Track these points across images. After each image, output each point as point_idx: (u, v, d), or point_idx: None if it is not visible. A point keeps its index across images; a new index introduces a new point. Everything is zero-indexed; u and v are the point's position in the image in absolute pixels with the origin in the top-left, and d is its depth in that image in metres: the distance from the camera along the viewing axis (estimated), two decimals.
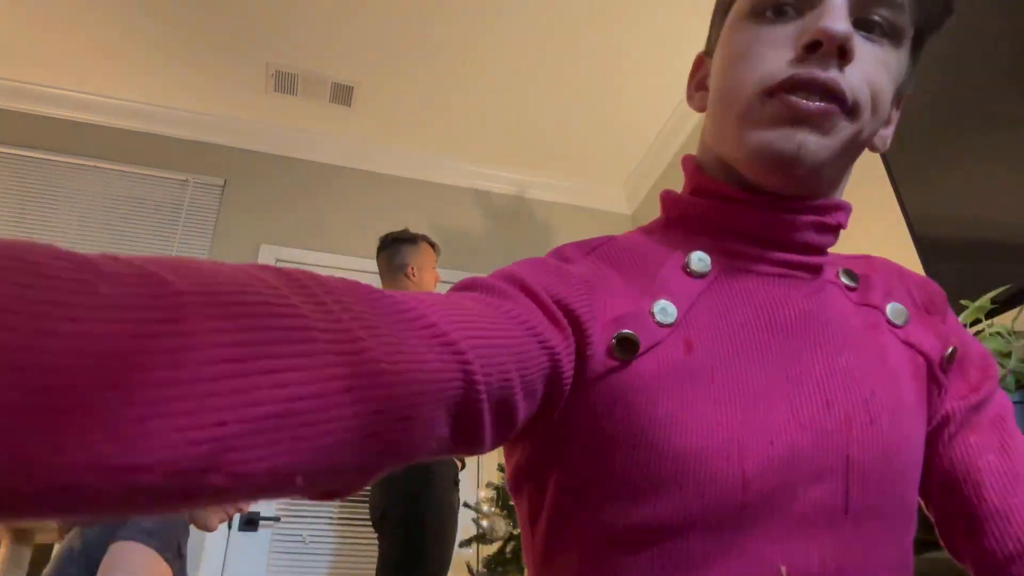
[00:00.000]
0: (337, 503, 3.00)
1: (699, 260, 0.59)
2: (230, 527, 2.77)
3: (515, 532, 2.38)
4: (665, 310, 0.55)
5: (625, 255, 0.61)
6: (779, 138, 0.55)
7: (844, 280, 0.63)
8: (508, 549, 2.40)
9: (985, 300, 1.23)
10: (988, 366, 0.62)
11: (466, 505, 2.64)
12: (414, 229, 3.72)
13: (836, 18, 0.53)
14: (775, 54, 0.56)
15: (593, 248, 0.62)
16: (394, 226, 3.68)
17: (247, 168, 3.62)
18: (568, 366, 0.51)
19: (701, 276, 0.59)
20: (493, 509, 2.45)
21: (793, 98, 0.54)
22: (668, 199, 0.68)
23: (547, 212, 4.03)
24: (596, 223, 4.06)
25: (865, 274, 0.65)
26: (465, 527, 2.75)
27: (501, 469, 2.55)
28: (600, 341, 0.53)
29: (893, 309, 0.62)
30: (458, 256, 3.70)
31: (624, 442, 0.51)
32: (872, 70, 0.56)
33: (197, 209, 3.47)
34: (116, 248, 3.26)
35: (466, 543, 2.45)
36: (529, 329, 0.48)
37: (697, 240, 0.62)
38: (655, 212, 3.88)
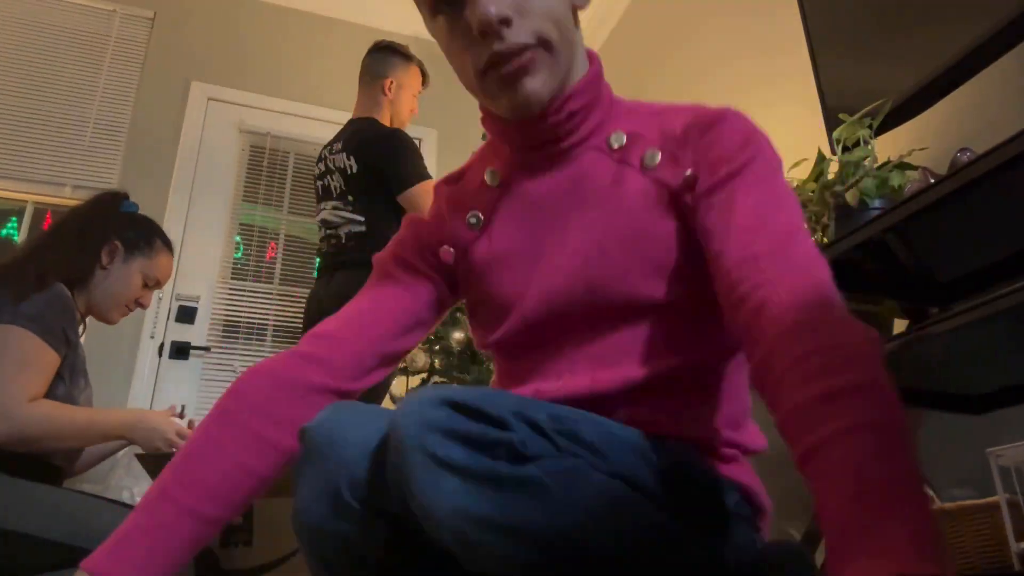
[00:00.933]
0: (269, 335, 3.08)
1: (491, 175, 0.88)
2: (160, 355, 2.84)
3: (436, 364, 2.49)
4: (474, 217, 0.87)
5: (460, 182, 0.92)
6: (511, 98, 0.76)
7: (612, 144, 0.82)
8: (430, 383, 2.52)
9: (858, 116, 1.27)
10: (730, 158, 0.77)
11: None
12: (351, 75, 3.63)
13: (484, 5, 0.71)
14: (468, 45, 0.75)
15: (447, 181, 0.94)
16: (328, 70, 3.58)
17: (178, 0, 3.44)
18: (445, 280, 0.89)
19: (496, 186, 0.86)
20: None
21: (499, 72, 0.74)
22: (483, 123, 0.89)
23: None
24: None
25: (635, 131, 0.82)
26: None
27: None
28: (451, 252, 0.88)
29: (648, 155, 0.80)
30: None
31: (476, 299, 0.87)
32: (539, 10, 0.74)
33: (124, 42, 3.32)
34: (42, 80, 3.12)
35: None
36: (406, 299, 0.87)
37: (496, 157, 0.89)
38: (605, 73, 3.82)
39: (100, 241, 1.54)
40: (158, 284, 1.64)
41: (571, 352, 0.78)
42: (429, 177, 2.16)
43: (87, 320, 1.59)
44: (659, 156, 0.79)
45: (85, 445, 1.46)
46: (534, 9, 0.74)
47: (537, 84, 0.75)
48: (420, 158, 2.23)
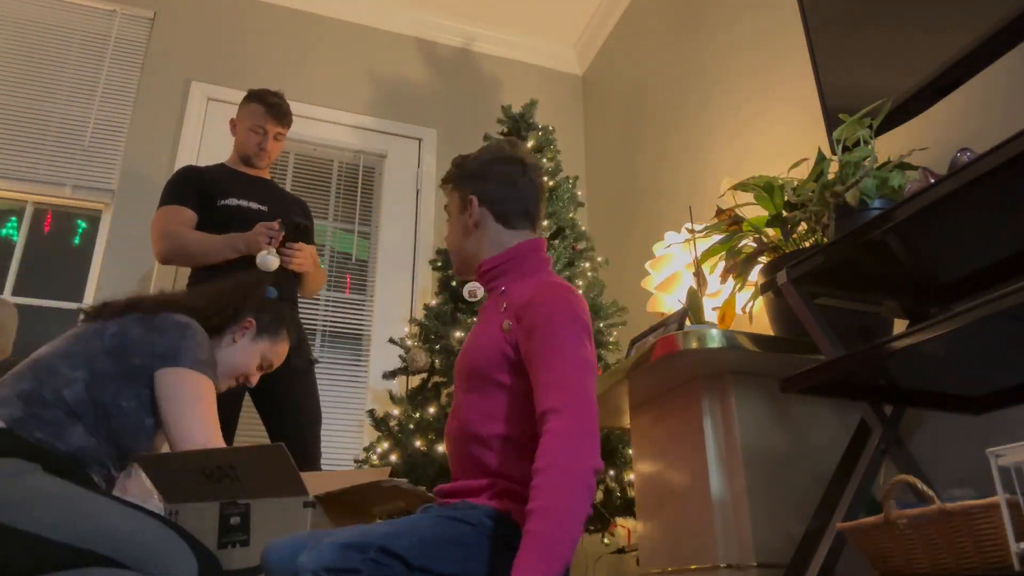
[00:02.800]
0: None
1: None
2: None
3: (436, 364, 2.49)
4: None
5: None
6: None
7: (503, 300, 1.28)
8: (430, 383, 2.52)
9: (858, 116, 1.27)
10: (531, 328, 1.18)
11: (392, 341, 2.74)
12: (351, 76, 3.63)
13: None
14: None
15: None
16: (328, 70, 3.58)
17: (178, 0, 3.44)
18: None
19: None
20: (416, 343, 2.55)
21: None
22: None
23: (494, 67, 3.94)
24: (546, 83, 3.99)
25: (511, 300, 1.26)
26: (392, 360, 2.86)
27: (426, 308, 2.63)
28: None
29: (509, 319, 1.24)
30: (398, 108, 3.63)
31: None
32: (449, 242, 1.43)
33: (124, 42, 3.32)
34: (42, 80, 3.13)
35: (390, 375, 2.56)
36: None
37: None
38: (605, 75, 3.83)
39: (238, 310, 1.66)
40: (270, 367, 1.74)
41: (457, 399, 1.31)
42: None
43: None
44: (510, 322, 1.23)
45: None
46: (447, 236, 1.44)
47: (455, 265, 1.43)
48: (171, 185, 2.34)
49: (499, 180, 1.35)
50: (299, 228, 2.20)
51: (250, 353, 1.67)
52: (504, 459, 1.18)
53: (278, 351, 1.73)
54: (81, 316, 1.58)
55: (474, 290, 2.49)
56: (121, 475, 1.56)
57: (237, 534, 1.38)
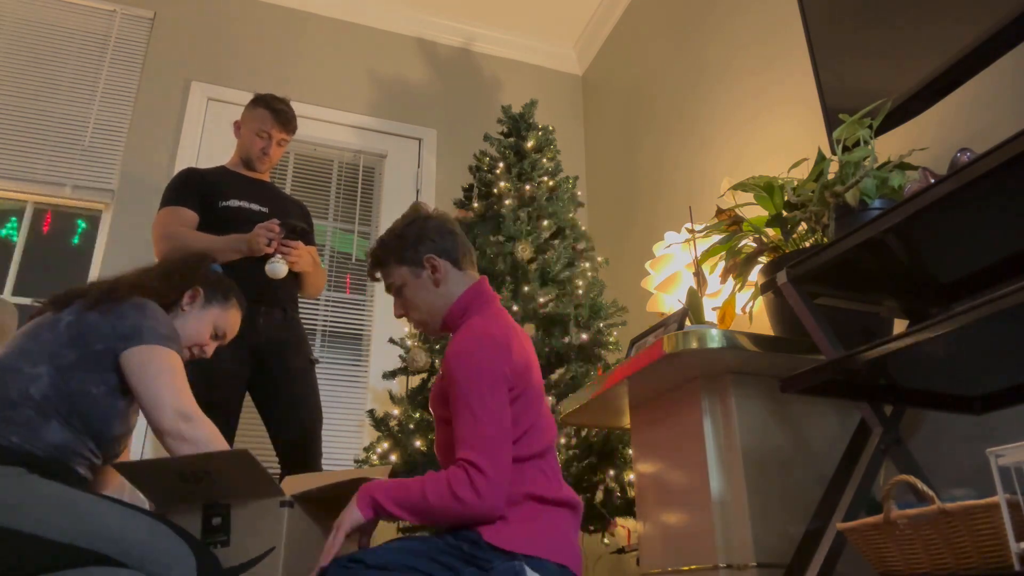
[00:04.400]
0: None
1: None
2: None
3: (436, 364, 2.49)
4: None
5: None
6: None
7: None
8: (430, 383, 2.52)
9: (857, 116, 1.27)
10: (449, 382, 1.32)
11: (392, 341, 2.74)
12: (351, 76, 3.63)
13: (394, 309, 1.55)
14: None
15: None
16: (329, 70, 3.58)
17: (178, 0, 3.44)
18: None
19: None
20: (416, 343, 2.55)
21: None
22: None
23: (494, 67, 3.94)
24: (546, 83, 3.99)
25: (449, 350, 1.35)
26: (392, 360, 2.86)
27: None
28: None
29: (443, 368, 1.35)
30: (398, 108, 3.63)
31: None
32: (411, 306, 1.50)
33: (124, 42, 3.32)
34: (42, 80, 3.13)
35: (390, 375, 2.56)
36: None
37: None
38: (605, 75, 3.83)
39: (186, 284, 1.66)
40: (224, 337, 1.74)
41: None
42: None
43: None
44: (442, 371, 1.37)
45: None
46: (410, 308, 1.49)
47: (426, 330, 1.51)
48: (173, 187, 2.34)
49: (441, 233, 1.48)
50: (296, 230, 2.20)
51: (201, 321, 1.67)
52: None
53: (229, 319, 1.73)
54: (33, 311, 1.56)
55: None
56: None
57: (218, 535, 1.40)
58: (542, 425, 1.37)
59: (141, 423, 2.76)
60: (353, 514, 1.27)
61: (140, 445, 2.75)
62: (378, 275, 1.52)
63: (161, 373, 1.43)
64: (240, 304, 1.77)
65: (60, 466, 1.36)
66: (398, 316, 1.51)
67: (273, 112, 2.39)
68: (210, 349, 1.71)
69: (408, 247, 1.47)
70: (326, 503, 1.50)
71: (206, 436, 1.41)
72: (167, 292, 1.63)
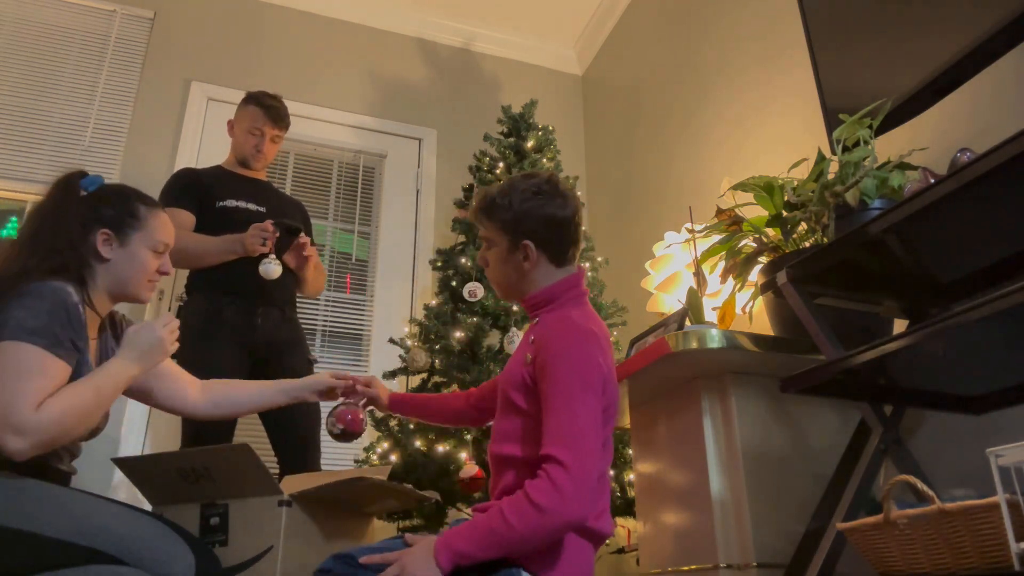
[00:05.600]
0: None
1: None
2: None
3: (436, 364, 2.49)
4: None
5: None
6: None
7: (535, 331, 1.31)
8: (430, 383, 2.52)
9: (857, 116, 1.27)
10: (543, 367, 1.22)
11: (392, 341, 2.74)
12: (351, 76, 3.63)
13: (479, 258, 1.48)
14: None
15: None
16: (329, 70, 3.58)
17: (178, 0, 3.44)
18: None
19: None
20: (416, 343, 2.55)
21: None
22: None
23: (494, 67, 3.94)
24: (546, 83, 3.99)
25: (539, 333, 1.28)
26: (392, 360, 2.86)
27: (426, 308, 2.63)
28: None
29: (530, 352, 1.27)
30: (398, 108, 3.63)
31: None
32: (492, 278, 1.43)
33: (124, 42, 3.32)
34: (42, 80, 3.13)
35: (390, 375, 2.56)
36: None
37: None
38: (605, 75, 3.83)
39: (83, 234, 1.46)
40: (167, 247, 1.56)
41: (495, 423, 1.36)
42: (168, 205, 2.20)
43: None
44: (531, 355, 1.27)
45: (105, 410, 1.38)
46: (491, 267, 1.40)
47: (498, 291, 1.45)
48: (169, 189, 2.30)
49: (552, 223, 1.34)
50: (290, 229, 2.20)
51: (132, 257, 1.49)
52: (521, 481, 1.18)
53: (156, 228, 1.53)
54: None
55: (474, 290, 2.49)
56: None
57: (217, 534, 1.40)
58: (610, 443, 1.29)
59: (142, 419, 2.77)
60: (429, 570, 1.09)
61: (140, 443, 2.74)
62: (478, 218, 1.41)
63: (4, 373, 1.25)
64: (150, 203, 1.56)
65: (37, 464, 1.31)
66: (480, 264, 1.44)
67: (264, 108, 2.38)
68: (166, 265, 1.55)
69: (515, 221, 1.34)
70: (325, 502, 1.50)
71: (22, 450, 1.22)
72: (53, 257, 1.41)
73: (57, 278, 1.37)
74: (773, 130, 2.35)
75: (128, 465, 1.44)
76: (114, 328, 1.58)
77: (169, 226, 1.57)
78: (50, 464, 1.38)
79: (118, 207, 1.51)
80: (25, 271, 1.36)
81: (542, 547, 1.14)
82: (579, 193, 2.82)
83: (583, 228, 1.42)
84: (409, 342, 2.57)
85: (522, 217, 1.33)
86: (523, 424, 1.25)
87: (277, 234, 2.16)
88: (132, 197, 1.55)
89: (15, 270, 1.37)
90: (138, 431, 2.76)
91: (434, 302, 2.64)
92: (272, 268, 2.12)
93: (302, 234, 2.23)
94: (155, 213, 1.54)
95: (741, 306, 1.78)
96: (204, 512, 1.43)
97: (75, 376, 1.36)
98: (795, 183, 1.60)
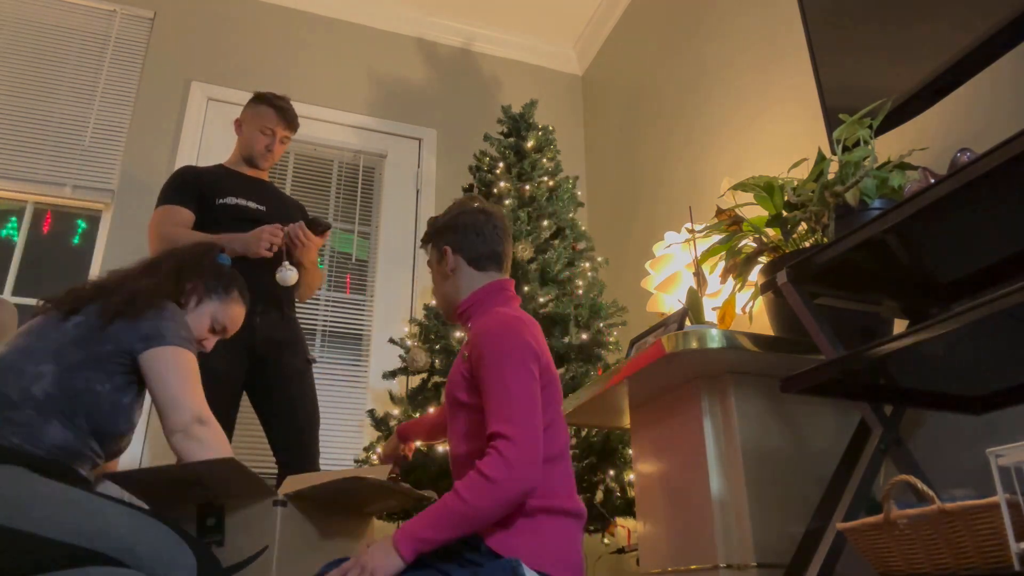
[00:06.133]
0: None
1: None
2: None
3: (436, 364, 2.49)
4: None
5: None
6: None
7: (470, 335, 1.41)
8: (430, 383, 2.52)
9: (857, 116, 1.27)
10: (479, 357, 1.32)
11: (392, 341, 2.74)
12: (351, 76, 3.63)
13: None
14: None
15: None
16: (329, 70, 3.58)
17: (178, 0, 3.44)
18: None
19: None
20: (416, 343, 2.55)
21: None
22: None
23: (494, 67, 3.94)
24: (546, 83, 3.99)
25: (472, 333, 1.39)
26: (392, 360, 2.86)
27: (426, 308, 2.63)
28: None
29: (466, 350, 1.38)
30: (398, 108, 3.63)
31: None
32: (436, 294, 1.61)
33: (124, 42, 3.32)
34: (42, 80, 3.13)
35: (390, 375, 2.56)
36: None
37: None
38: (605, 75, 3.83)
39: (188, 279, 1.66)
40: (224, 332, 1.72)
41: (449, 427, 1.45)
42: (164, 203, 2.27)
43: None
44: (467, 353, 1.38)
45: None
46: (434, 287, 1.60)
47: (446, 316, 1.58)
48: (169, 186, 2.32)
49: (466, 229, 1.53)
50: (321, 224, 2.19)
51: (199, 317, 1.66)
52: None
53: (230, 313, 1.71)
54: (40, 307, 1.54)
55: None
56: None
57: (213, 535, 1.41)
58: (560, 425, 1.36)
59: (140, 423, 2.76)
60: (390, 561, 1.15)
61: (139, 448, 2.75)
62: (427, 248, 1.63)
63: (181, 374, 1.45)
64: (243, 297, 1.76)
65: (62, 467, 1.36)
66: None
67: (277, 109, 2.39)
68: (209, 344, 1.69)
69: (437, 234, 1.58)
70: (322, 502, 1.50)
71: (216, 440, 1.42)
72: (178, 290, 1.63)
73: (172, 301, 1.59)
74: (773, 130, 2.35)
75: (122, 479, 1.45)
76: None
77: (238, 320, 1.75)
78: (72, 467, 1.39)
79: (222, 280, 1.73)
80: (161, 293, 1.57)
81: (497, 519, 1.20)
82: (579, 193, 2.84)
83: (510, 248, 1.59)
84: (409, 342, 2.57)
85: (442, 228, 1.57)
86: (469, 419, 1.34)
87: (285, 243, 2.14)
88: (237, 284, 1.76)
89: (151, 288, 1.57)
90: (138, 433, 2.76)
91: (434, 302, 2.64)
92: (289, 275, 2.11)
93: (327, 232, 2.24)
94: (239, 305, 1.75)
95: (741, 306, 1.78)
96: (201, 513, 1.43)
97: None
98: (795, 183, 1.60)
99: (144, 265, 1.68)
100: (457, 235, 1.54)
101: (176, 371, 1.45)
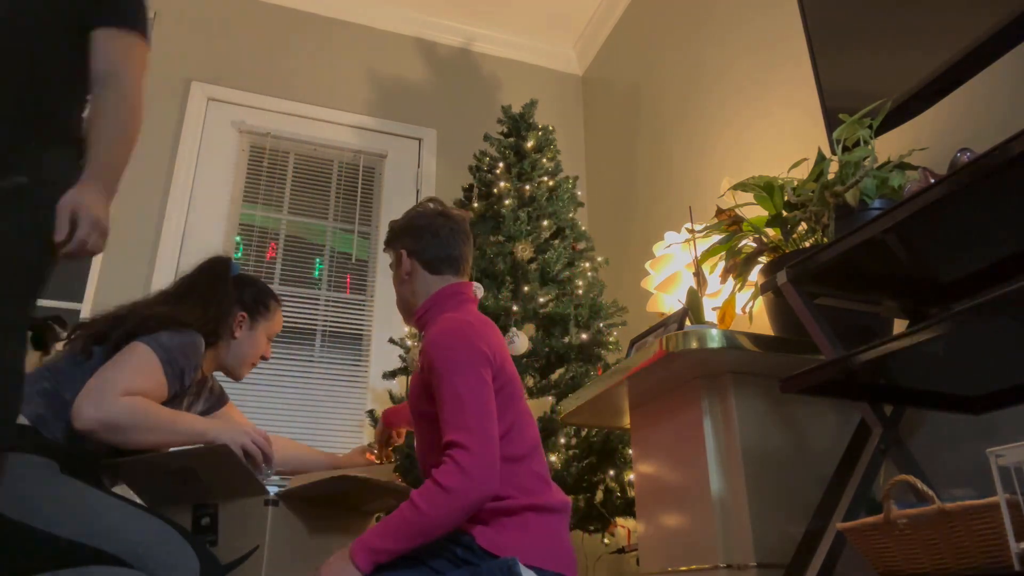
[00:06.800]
0: None
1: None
2: None
3: None
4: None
5: None
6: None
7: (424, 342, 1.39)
8: None
9: (857, 117, 1.27)
10: (430, 367, 1.31)
11: (392, 341, 2.74)
12: (351, 76, 3.63)
13: None
14: None
15: None
16: (329, 70, 3.58)
17: (178, 0, 3.44)
18: None
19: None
20: (416, 343, 2.55)
21: None
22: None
23: (494, 67, 3.94)
24: (546, 83, 3.99)
25: (425, 342, 1.36)
26: (392, 360, 2.86)
27: None
28: None
29: (421, 361, 1.35)
30: (398, 108, 3.63)
31: None
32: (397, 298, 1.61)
33: None
34: None
35: (390, 375, 2.56)
36: None
37: None
38: (605, 74, 3.83)
39: (227, 312, 1.70)
40: (276, 336, 1.87)
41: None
42: None
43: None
44: (420, 359, 1.37)
45: (169, 444, 1.47)
46: (396, 301, 1.60)
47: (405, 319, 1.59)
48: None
49: (422, 232, 1.52)
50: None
51: (255, 339, 1.77)
52: None
53: (277, 321, 1.84)
54: (73, 332, 1.61)
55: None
56: None
57: (207, 534, 1.42)
58: (524, 423, 1.36)
59: None
60: (346, 573, 1.15)
61: None
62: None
63: (129, 362, 1.44)
64: (278, 301, 1.85)
65: (93, 467, 1.41)
66: None
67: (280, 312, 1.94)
68: (269, 351, 1.83)
69: (395, 238, 1.57)
70: (316, 501, 1.50)
71: (89, 419, 1.35)
72: (217, 324, 1.66)
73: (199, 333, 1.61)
74: (773, 130, 2.35)
75: (119, 467, 1.45)
76: (200, 390, 1.77)
77: (281, 323, 1.86)
78: (97, 457, 1.43)
79: (256, 297, 1.79)
80: (179, 321, 1.56)
81: (454, 527, 1.19)
82: (579, 193, 2.84)
83: (470, 251, 1.57)
84: (409, 342, 2.57)
85: (399, 231, 1.56)
86: (434, 429, 1.33)
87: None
88: (268, 292, 1.83)
89: (169, 315, 1.57)
90: None
91: None
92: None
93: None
94: (279, 310, 1.85)
95: (741, 306, 1.78)
96: (195, 512, 1.43)
97: (171, 403, 1.54)
98: (795, 183, 1.60)
99: (177, 295, 1.70)
100: (412, 238, 1.53)
101: (127, 358, 1.45)
